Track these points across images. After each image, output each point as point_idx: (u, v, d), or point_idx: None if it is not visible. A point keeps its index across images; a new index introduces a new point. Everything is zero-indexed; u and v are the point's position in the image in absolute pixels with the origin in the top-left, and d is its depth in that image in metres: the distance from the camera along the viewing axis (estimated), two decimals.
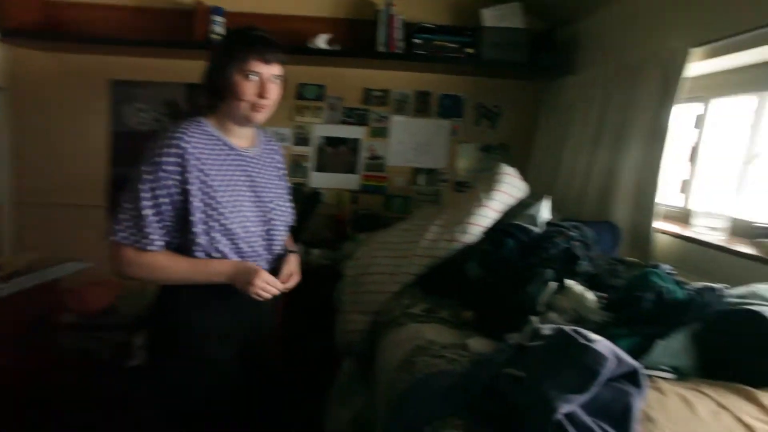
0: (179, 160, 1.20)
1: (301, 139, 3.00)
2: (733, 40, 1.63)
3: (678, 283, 1.26)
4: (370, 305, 1.99)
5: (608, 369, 0.92)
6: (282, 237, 1.44)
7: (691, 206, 2.05)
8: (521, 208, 2.01)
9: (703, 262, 1.75)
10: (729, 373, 1.10)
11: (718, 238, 1.74)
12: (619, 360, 0.96)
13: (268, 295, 1.27)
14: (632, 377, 0.95)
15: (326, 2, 2.88)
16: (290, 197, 1.50)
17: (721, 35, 1.65)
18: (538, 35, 2.73)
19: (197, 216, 1.22)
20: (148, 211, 1.18)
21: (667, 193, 2.05)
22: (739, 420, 0.93)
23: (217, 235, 1.25)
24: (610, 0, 2.36)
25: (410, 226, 2.25)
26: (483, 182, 2.17)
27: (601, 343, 0.99)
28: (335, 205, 3.01)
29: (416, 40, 2.69)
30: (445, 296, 1.89)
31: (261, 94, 1.26)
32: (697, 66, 1.81)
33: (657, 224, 1.92)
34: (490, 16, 2.70)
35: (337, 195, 3.04)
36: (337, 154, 3.04)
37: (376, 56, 2.68)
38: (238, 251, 1.29)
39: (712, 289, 1.17)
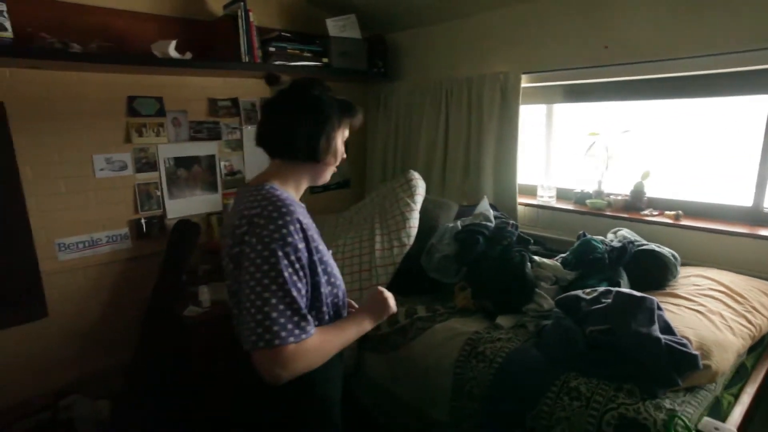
0: (302, 233, 1.11)
1: (146, 164, 2.47)
2: (541, 74, 2.52)
3: (602, 242, 2.00)
4: None
5: (655, 305, 1.54)
6: None
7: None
8: (440, 210, 2.45)
9: (550, 220, 2.64)
10: (649, 286, 1.91)
11: (554, 203, 2.65)
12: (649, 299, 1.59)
13: None
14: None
15: None
16: None
17: (536, 69, 2.52)
18: (370, 42, 3.06)
19: (323, 285, 1.16)
20: (296, 294, 1.06)
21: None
22: (688, 308, 1.71)
23: (335, 296, 1.23)
24: (423, 22, 2.93)
25: (345, 240, 2.36)
26: (400, 188, 2.47)
27: (638, 293, 1.60)
28: (203, 232, 2.66)
29: (271, 49, 2.61)
30: (421, 293, 2.19)
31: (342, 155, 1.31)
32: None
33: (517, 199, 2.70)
34: (333, 26, 2.86)
35: (203, 221, 2.69)
36: (191, 176, 2.64)
37: (242, 67, 2.46)
38: (343, 307, 1.29)
39: (630, 242, 1.96)
